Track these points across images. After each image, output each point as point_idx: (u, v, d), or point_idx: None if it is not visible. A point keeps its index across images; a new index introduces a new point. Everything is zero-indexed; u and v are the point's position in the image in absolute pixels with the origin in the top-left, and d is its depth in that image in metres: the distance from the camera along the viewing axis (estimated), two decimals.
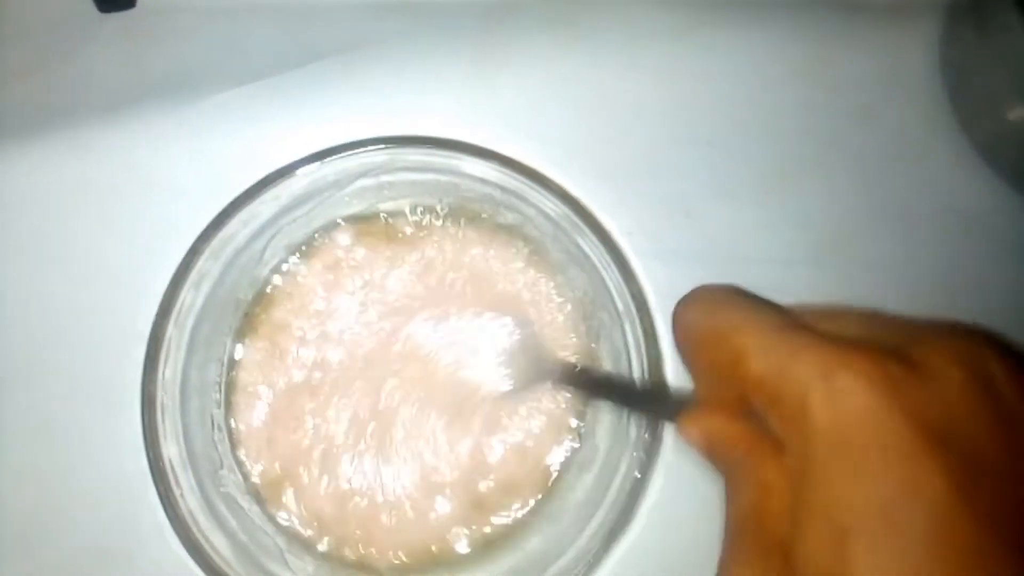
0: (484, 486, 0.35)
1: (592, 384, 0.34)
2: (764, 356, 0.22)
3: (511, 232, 0.37)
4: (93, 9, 0.40)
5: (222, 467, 0.34)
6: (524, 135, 0.37)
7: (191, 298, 0.33)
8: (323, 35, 0.40)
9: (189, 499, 0.32)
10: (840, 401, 0.20)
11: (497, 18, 0.40)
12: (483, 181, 0.35)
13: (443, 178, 0.35)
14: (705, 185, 0.39)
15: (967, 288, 0.39)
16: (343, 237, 0.37)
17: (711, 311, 0.25)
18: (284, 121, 0.39)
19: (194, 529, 0.32)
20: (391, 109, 0.39)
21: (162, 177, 0.38)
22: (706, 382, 0.25)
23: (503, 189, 0.35)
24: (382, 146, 0.34)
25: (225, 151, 0.39)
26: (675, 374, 0.34)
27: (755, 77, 0.41)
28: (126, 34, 0.40)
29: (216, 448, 0.34)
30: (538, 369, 0.34)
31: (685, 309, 0.26)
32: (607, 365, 0.36)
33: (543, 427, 0.35)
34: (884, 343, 0.21)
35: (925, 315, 0.24)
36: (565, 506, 0.35)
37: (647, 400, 0.32)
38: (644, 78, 0.40)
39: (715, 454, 0.25)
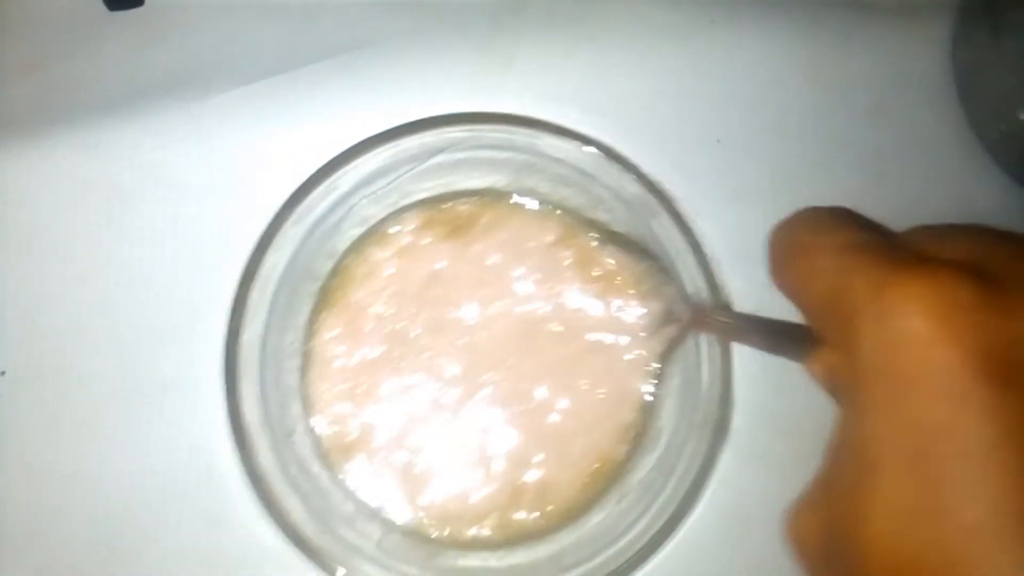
0: (549, 462, 0.35)
1: (726, 324, 0.32)
2: (823, 278, 0.20)
3: (580, 213, 0.37)
4: (100, 5, 0.39)
5: (295, 432, 0.34)
6: None
7: (272, 261, 0.33)
8: (331, 33, 0.40)
9: (264, 462, 0.32)
10: (885, 325, 0.18)
11: (506, 18, 0.41)
12: (559, 161, 0.35)
13: (520, 156, 0.36)
14: (715, 184, 0.39)
15: None
16: (415, 216, 0.37)
17: (791, 235, 0.23)
18: (292, 119, 0.39)
19: (271, 491, 0.32)
20: (397, 108, 0.38)
21: (170, 174, 0.39)
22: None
23: (579, 170, 0.35)
24: (462, 124, 0.35)
25: (234, 149, 0.39)
26: (740, 355, 0.34)
27: (764, 76, 0.41)
28: (134, 30, 0.40)
29: (289, 413, 0.34)
30: (668, 312, 0.34)
31: (772, 235, 0.24)
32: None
33: (612, 405, 0.36)
34: (980, 264, 0.18)
35: None
36: (627, 487, 0.36)
37: (780, 336, 0.28)
38: (653, 77, 0.40)
39: (832, 391, 0.22)
